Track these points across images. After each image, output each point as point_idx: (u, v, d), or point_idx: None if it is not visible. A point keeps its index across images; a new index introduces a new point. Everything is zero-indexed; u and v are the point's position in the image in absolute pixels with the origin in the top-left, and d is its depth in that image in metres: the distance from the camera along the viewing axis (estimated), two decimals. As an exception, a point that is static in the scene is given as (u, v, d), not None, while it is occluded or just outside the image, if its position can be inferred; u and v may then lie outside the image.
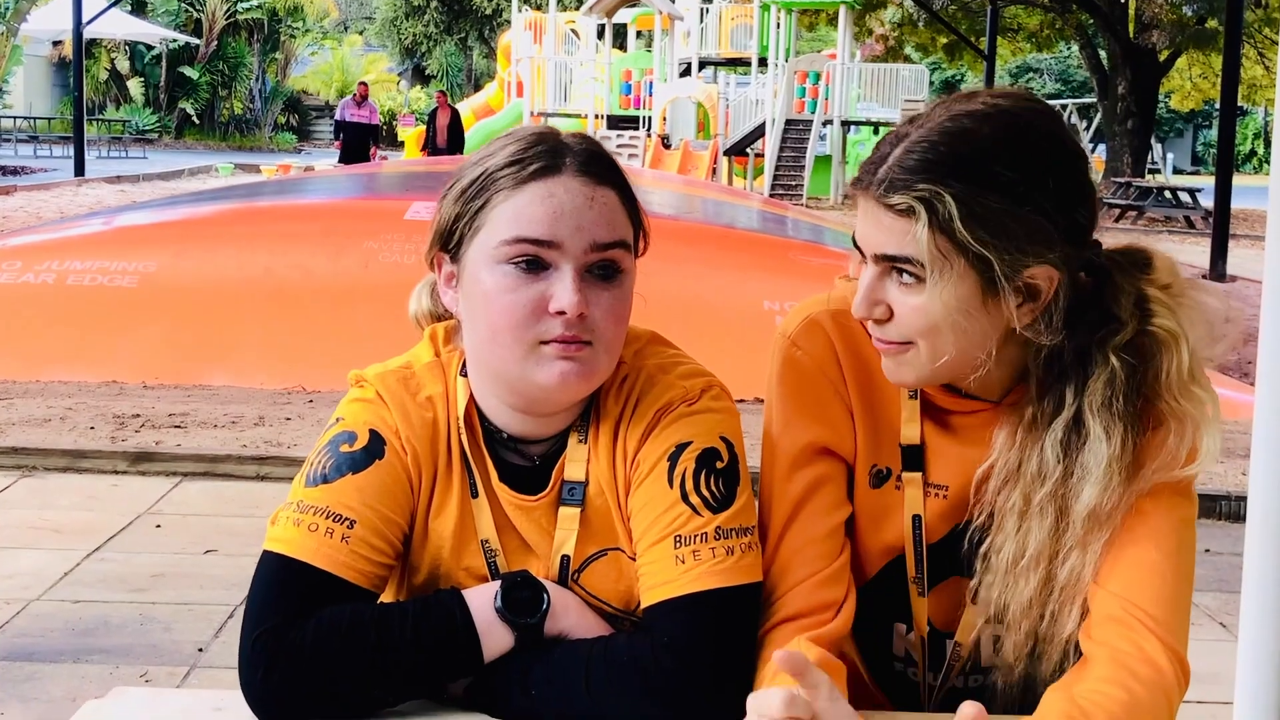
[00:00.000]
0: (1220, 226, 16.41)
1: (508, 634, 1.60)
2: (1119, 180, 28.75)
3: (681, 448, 1.66)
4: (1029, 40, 36.60)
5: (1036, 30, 35.06)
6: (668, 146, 26.74)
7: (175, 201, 12.96)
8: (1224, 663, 3.17)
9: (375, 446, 1.67)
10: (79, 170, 25.17)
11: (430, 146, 25.43)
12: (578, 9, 32.92)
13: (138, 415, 7.11)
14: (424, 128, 27.41)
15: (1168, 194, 26.81)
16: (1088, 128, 33.53)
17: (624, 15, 30.53)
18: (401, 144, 32.97)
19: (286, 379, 8.21)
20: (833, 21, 31.01)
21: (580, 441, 1.70)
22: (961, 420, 1.74)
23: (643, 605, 1.64)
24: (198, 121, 46.32)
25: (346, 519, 1.63)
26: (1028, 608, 1.67)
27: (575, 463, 1.70)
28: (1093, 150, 36.61)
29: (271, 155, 38.78)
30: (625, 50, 32.78)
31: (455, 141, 24.99)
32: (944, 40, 33.54)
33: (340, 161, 25.06)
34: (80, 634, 4.38)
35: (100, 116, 41.07)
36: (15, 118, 35.36)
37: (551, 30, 29.59)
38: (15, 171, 26.63)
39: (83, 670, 4.10)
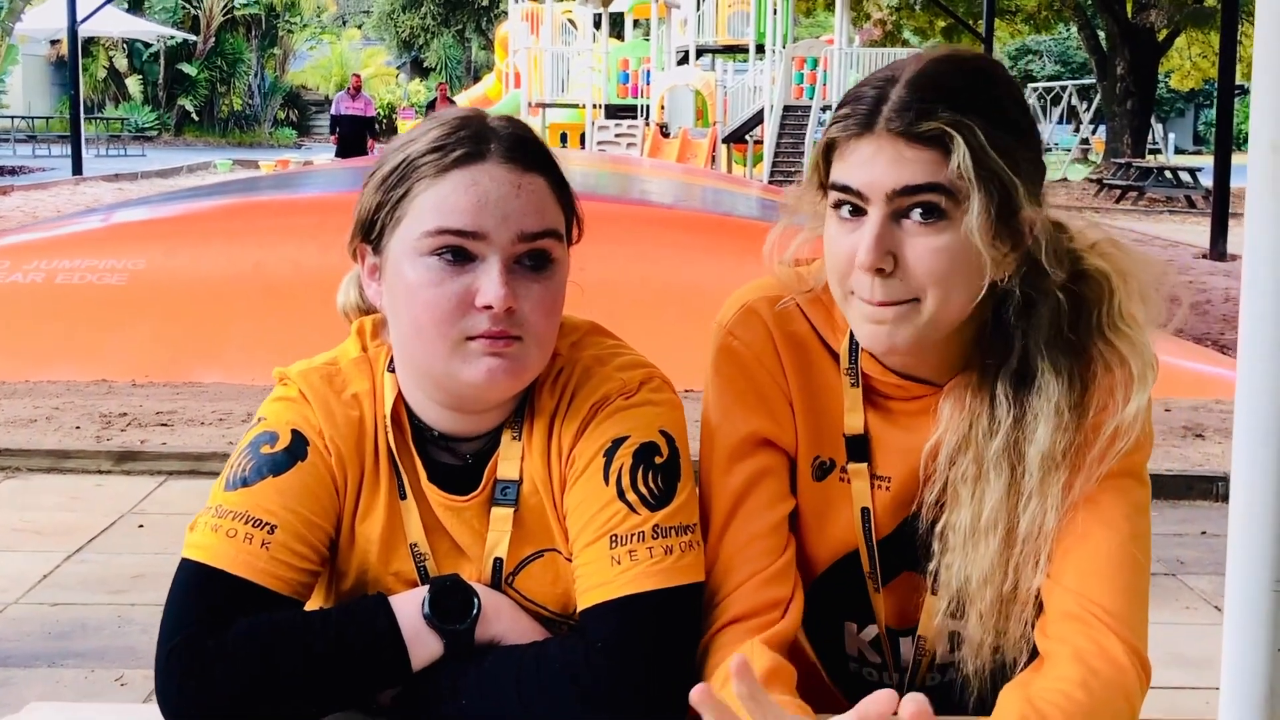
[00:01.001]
0: (1220, 205, 16.28)
1: (436, 641, 1.53)
2: (1119, 161, 28.64)
3: (618, 443, 1.59)
4: (1027, 22, 36.43)
5: (1034, 12, 34.89)
6: (666, 135, 26.61)
7: (165, 198, 12.87)
8: (1219, 648, 3.11)
9: (297, 447, 1.60)
10: (76, 169, 25.09)
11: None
12: (574, -1, 32.82)
13: (125, 414, 7.05)
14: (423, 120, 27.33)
15: (1168, 174, 26.70)
16: (1088, 109, 33.39)
17: (620, 4, 30.42)
18: (401, 137, 32.80)
19: (277, 375, 8.14)
20: (830, 6, 30.87)
21: (514, 438, 1.63)
22: (904, 407, 1.67)
23: (579, 608, 1.57)
24: (197, 118, 46.25)
25: (267, 524, 1.55)
26: (989, 574, 1.59)
27: (509, 461, 1.63)
28: (1093, 131, 36.49)
29: (271, 151, 38.71)
30: (622, 39, 32.65)
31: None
32: (942, 23, 33.37)
33: (337, 155, 25.02)
34: (57, 637, 4.32)
35: (99, 115, 41.03)
36: (13, 117, 35.30)
37: (548, 20, 29.44)
38: (13, 171, 26.58)
39: (57, 675, 4.04)
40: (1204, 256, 15.97)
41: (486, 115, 1.62)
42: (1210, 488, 6.13)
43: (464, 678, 1.52)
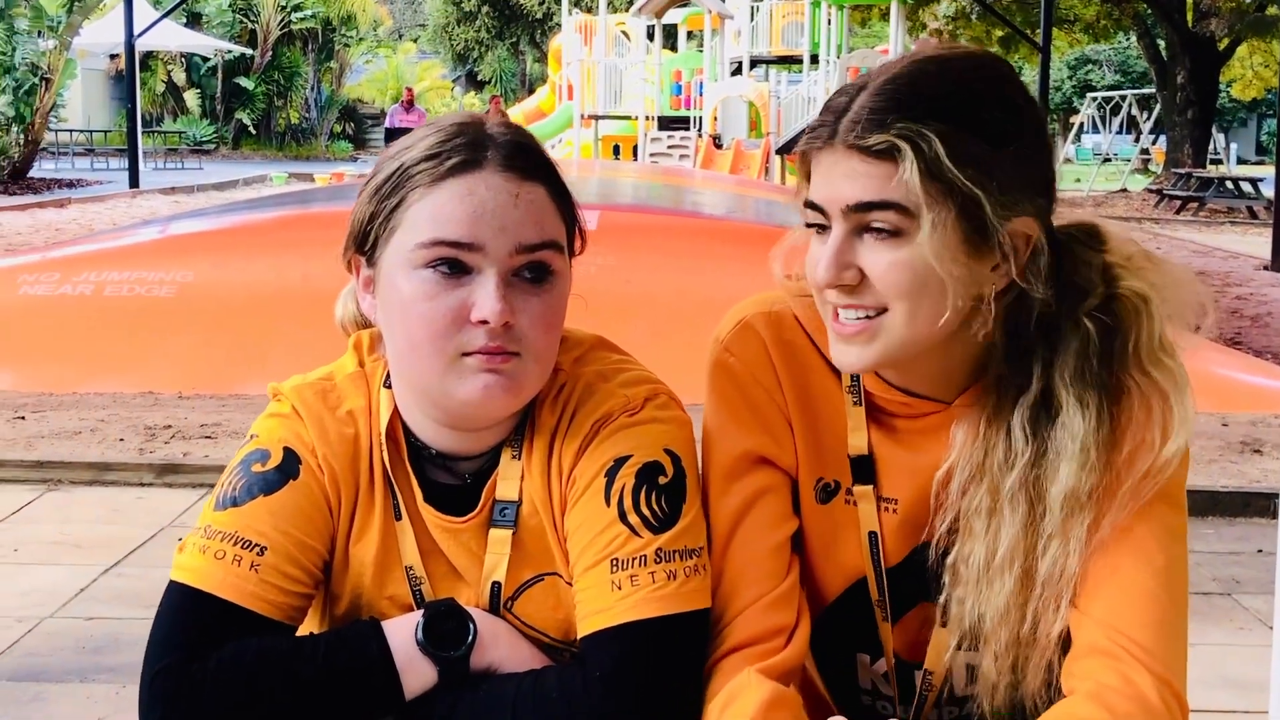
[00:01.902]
0: (1282, 216, 16.02)
1: (430, 668, 1.47)
2: (1179, 171, 28.28)
3: (620, 462, 1.51)
4: (1086, 31, 36.10)
5: (1093, 21, 34.57)
6: (719, 146, 26.53)
7: (215, 211, 12.92)
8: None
9: (289, 466, 1.54)
10: (134, 182, 25.30)
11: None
12: (628, 10, 32.82)
13: (169, 426, 7.04)
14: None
15: (1229, 184, 26.34)
16: (1147, 119, 33.03)
17: (674, 16, 30.39)
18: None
19: (323, 387, 8.12)
20: (885, 16, 30.74)
21: (514, 458, 1.56)
22: (910, 425, 1.59)
23: (579, 634, 1.50)
24: (254, 132, 46.60)
25: (256, 545, 1.49)
26: (1005, 614, 1.49)
27: (508, 481, 1.56)
28: (1153, 141, 36.11)
29: (328, 164, 38.93)
30: (676, 51, 32.64)
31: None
32: (999, 33, 33.12)
33: (392, 168, 25.06)
34: (90, 652, 4.28)
35: (157, 129, 41.41)
36: (71, 131, 35.65)
37: (602, 32, 29.46)
38: (71, 184, 26.82)
39: (88, 690, 4.00)
40: (1265, 268, 15.71)
41: (485, 121, 1.55)
42: (1268, 505, 5.98)
43: (458, 708, 1.45)
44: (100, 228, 17.41)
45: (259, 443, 1.57)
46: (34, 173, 27.35)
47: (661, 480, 1.51)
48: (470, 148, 1.50)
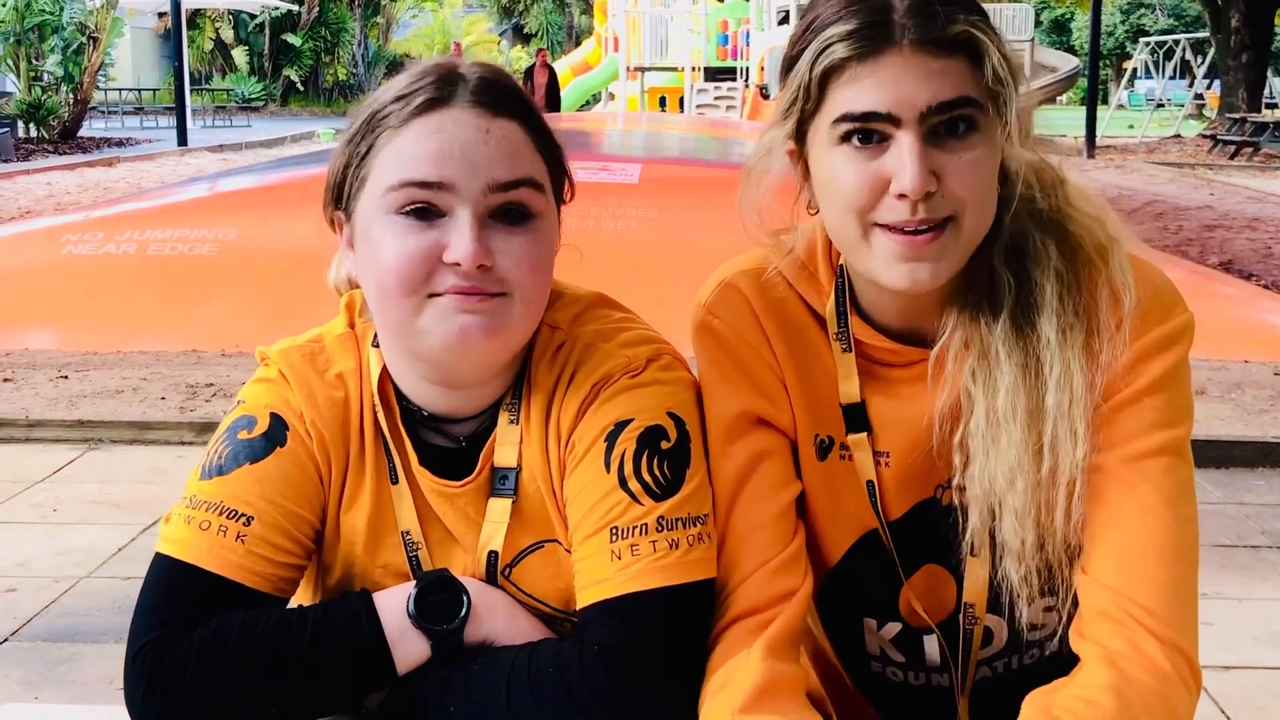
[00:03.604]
0: (1339, 161, 15.71)
1: (423, 642, 1.41)
2: (1233, 116, 27.82)
3: (621, 425, 1.45)
4: (1139, -26, 35.49)
5: (1146, -36, 33.97)
6: (766, 97, 26.27)
7: (258, 169, 12.92)
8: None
9: (276, 432, 1.48)
10: (181, 140, 25.40)
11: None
12: (674, -40, 32.55)
13: (211, 384, 7.04)
14: (525, 85, 27.35)
15: (1285, 128, 25.88)
16: (1201, 63, 32.47)
17: (720, -35, 30.11)
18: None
19: (365, 343, 8.11)
20: (934, -37, 30.30)
21: (511, 421, 1.50)
22: (900, 375, 1.52)
23: (578, 605, 1.44)
24: (302, 88, 46.72)
25: (242, 515, 1.44)
26: (1018, 463, 1.43)
27: (506, 446, 1.49)
28: (1207, 86, 35.53)
29: (374, 119, 38.89)
30: (721, 1, 32.35)
31: (554, 100, 24.88)
32: (1051, -22, 32.65)
33: (438, 123, 25.06)
34: (126, 612, 4.20)
35: (206, 86, 41.53)
36: (120, 90, 35.78)
37: (647, -17, 29.25)
38: (120, 143, 26.95)
39: (123, 651, 4.00)
40: (1321, 213, 15.42)
41: (460, 62, 1.47)
42: (1321, 456, 5.87)
43: (451, 682, 1.40)
44: (148, 186, 17.48)
45: (245, 409, 1.52)
46: (83, 132, 27.50)
47: (664, 445, 1.45)
48: (439, 85, 1.43)
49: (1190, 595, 1.39)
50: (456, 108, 1.41)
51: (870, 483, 1.54)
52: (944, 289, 1.47)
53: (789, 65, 1.44)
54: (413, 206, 1.39)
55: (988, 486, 1.44)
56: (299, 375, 1.51)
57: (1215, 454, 5.74)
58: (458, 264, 1.37)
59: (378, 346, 1.52)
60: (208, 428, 6.23)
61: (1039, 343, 1.43)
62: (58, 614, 4.26)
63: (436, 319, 1.39)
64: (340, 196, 1.47)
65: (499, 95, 1.43)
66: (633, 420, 1.45)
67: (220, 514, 1.44)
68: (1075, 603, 1.43)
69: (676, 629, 1.40)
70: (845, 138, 1.39)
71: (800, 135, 1.45)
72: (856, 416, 1.53)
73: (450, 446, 1.52)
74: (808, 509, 1.55)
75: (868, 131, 1.38)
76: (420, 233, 1.38)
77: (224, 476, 1.46)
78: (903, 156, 1.36)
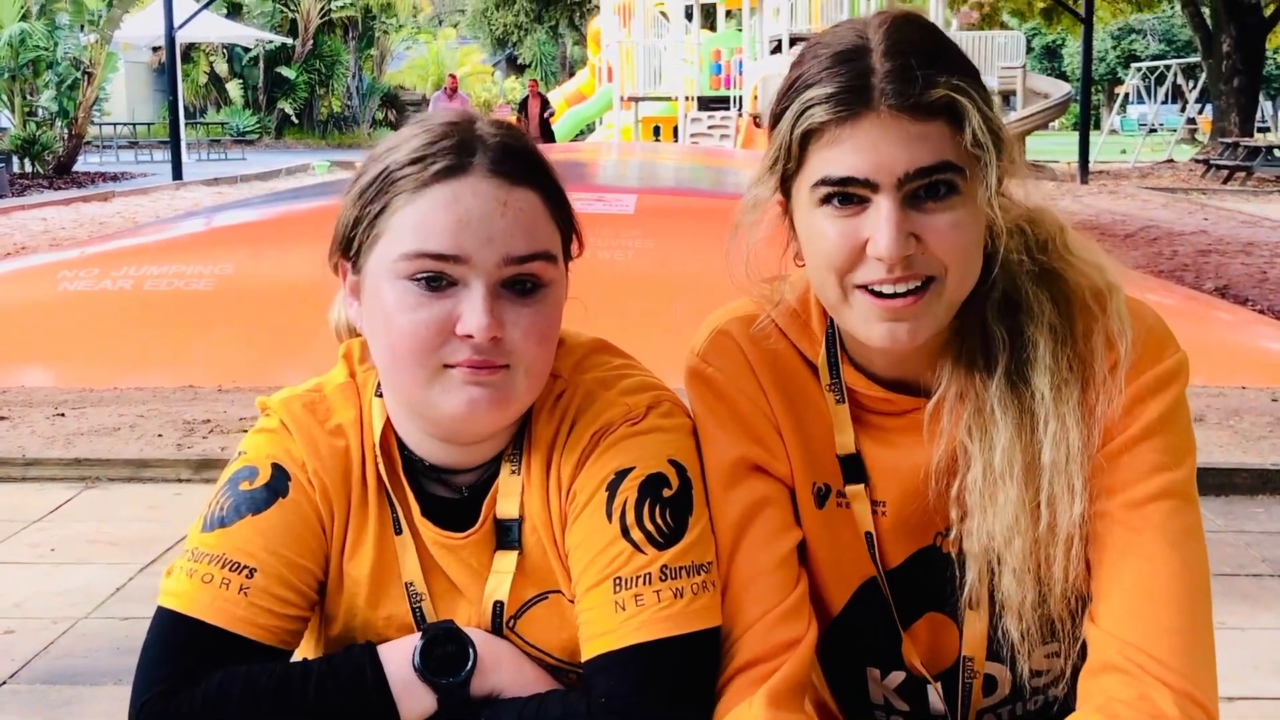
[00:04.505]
0: (1332, 184, 15.75)
1: (429, 695, 1.41)
2: (1226, 140, 27.92)
3: (622, 475, 1.45)
4: (1129, 1, 35.69)
5: (1136, -10, 34.19)
6: (759, 125, 26.38)
7: (253, 203, 12.94)
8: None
9: (278, 483, 1.48)
10: (176, 174, 25.40)
11: (521, 136, 25.38)
12: (666, -10, 32.69)
13: (208, 421, 7.03)
14: (517, 116, 27.39)
15: (1276, 152, 25.97)
16: (1193, 88, 32.60)
17: (712, -5, 30.25)
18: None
19: (361, 378, 8.10)
20: (925, -9, 30.44)
21: (513, 472, 1.49)
22: (893, 424, 1.53)
23: (583, 657, 1.43)
24: (297, 121, 46.80)
25: (245, 567, 1.44)
26: (1016, 523, 1.43)
27: (508, 497, 1.49)
28: (1199, 111, 35.65)
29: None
30: (714, 30, 32.49)
31: (544, 131, 24.93)
32: (1041, 4, 32.81)
33: (433, 155, 25.07)
34: (125, 653, 4.26)
35: (201, 120, 41.59)
36: (115, 124, 35.84)
37: (640, 13, 29.38)
38: (115, 178, 26.95)
39: (123, 693, 3.93)
40: (1314, 237, 15.44)
41: (476, 120, 1.47)
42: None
43: (457, 736, 1.39)
44: (143, 220, 17.48)
45: (246, 459, 1.52)
46: (78, 166, 27.53)
47: (666, 493, 1.45)
48: (457, 151, 1.42)
49: (1204, 641, 1.38)
50: (475, 176, 1.40)
51: (868, 534, 1.54)
52: (936, 341, 1.48)
53: (774, 120, 1.45)
54: (426, 274, 1.39)
55: (986, 542, 1.45)
56: (300, 425, 1.51)
57: (1215, 482, 5.73)
58: (470, 336, 1.37)
59: (379, 396, 1.51)
60: (205, 465, 6.22)
61: (1034, 399, 1.43)
62: (56, 655, 4.24)
63: (445, 391, 1.40)
64: (349, 249, 1.46)
65: (518, 163, 1.43)
66: (634, 469, 1.45)
67: (223, 566, 1.44)
68: (1083, 651, 1.43)
69: (684, 679, 1.39)
70: (825, 200, 1.41)
71: (786, 190, 1.45)
72: (853, 468, 1.54)
73: (452, 497, 1.51)
74: (809, 557, 1.55)
75: (847, 194, 1.39)
76: (433, 303, 1.39)
77: (226, 528, 1.46)
78: (879, 221, 1.37)
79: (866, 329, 1.43)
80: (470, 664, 1.43)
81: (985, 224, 1.41)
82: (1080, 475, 1.41)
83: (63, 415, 7.16)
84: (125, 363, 8.32)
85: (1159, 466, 1.42)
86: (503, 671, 1.45)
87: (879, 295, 1.40)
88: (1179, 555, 1.40)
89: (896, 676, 1.60)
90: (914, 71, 1.36)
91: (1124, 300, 1.47)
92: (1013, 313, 1.46)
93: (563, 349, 1.52)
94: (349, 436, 1.52)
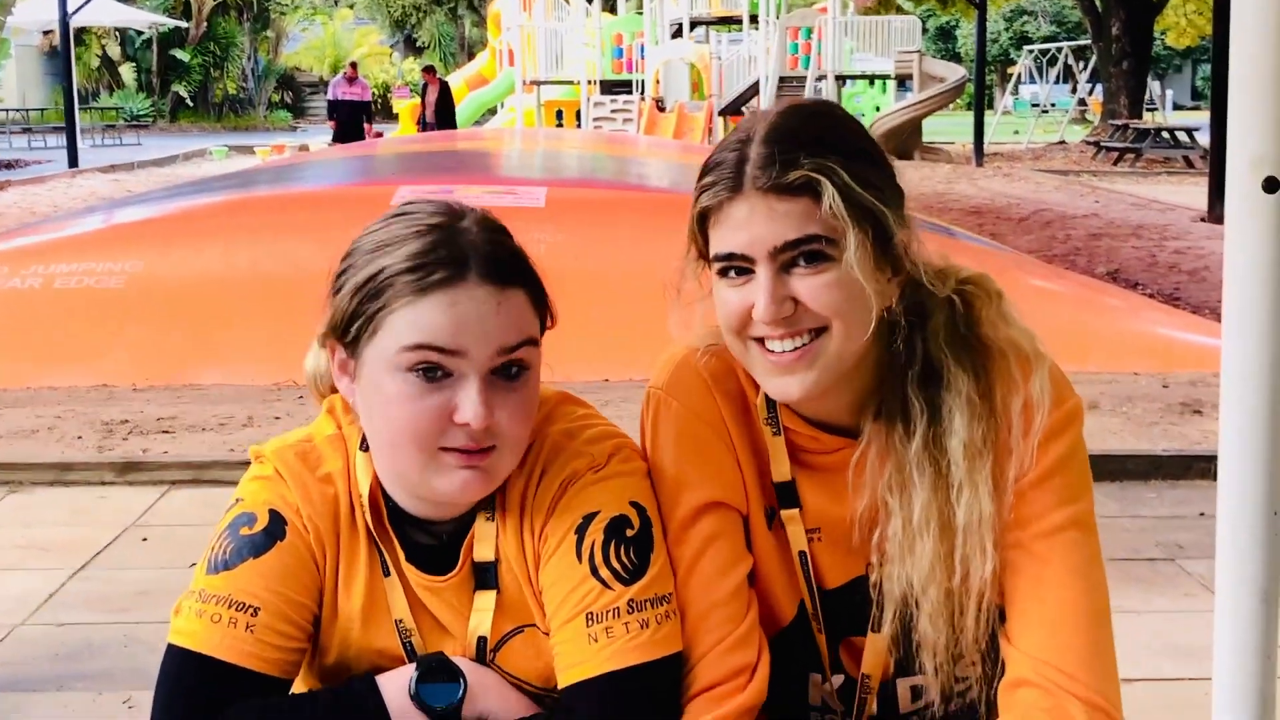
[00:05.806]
0: (1217, 168, 16.18)
1: None
2: (1116, 123, 28.55)
3: (589, 519, 1.62)
4: (1022, -17, 36.21)
5: (1029, -27, 34.70)
6: (662, 109, 26.58)
7: (160, 196, 12.84)
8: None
9: (275, 527, 1.63)
10: (73, 161, 25.04)
11: (421, 123, 25.28)
12: (566, -26, 32.70)
13: (126, 421, 7.06)
14: (418, 101, 27.29)
15: (1165, 135, 26.62)
16: (1084, 69, 33.24)
17: (612, -22, 30.30)
18: (397, 116, 32.87)
19: (277, 374, 8.14)
20: (823, -25, 30.74)
21: (488, 519, 1.66)
22: (823, 461, 1.71)
23: (559, 685, 1.61)
24: (191, 104, 46.23)
25: (250, 606, 1.59)
26: (931, 572, 1.63)
27: (484, 541, 1.66)
28: (1089, 92, 36.37)
29: (267, 135, 38.65)
30: (615, 14, 32.57)
31: (445, 116, 24.87)
32: (936, -12, 33.24)
33: (334, 141, 24.95)
34: (64, 659, 4.34)
35: (94, 104, 40.97)
36: (7, 110, 35.23)
37: (540, -4, 29.35)
38: (9, 165, 26.52)
39: (65, 699, 4.06)
40: (1202, 219, 15.89)
41: (463, 219, 1.62)
42: (1209, 467, 6.06)
43: (451, 756, 1.55)
44: (41, 210, 17.27)
45: (245, 506, 1.66)
46: (-30, 154, 26.99)
47: (629, 533, 1.62)
48: (452, 262, 1.56)
49: (1107, 654, 1.59)
50: (470, 283, 1.55)
51: (802, 553, 1.72)
52: (855, 395, 1.67)
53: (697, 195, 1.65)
54: (425, 365, 1.54)
55: (905, 588, 1.65)
56: (294, 473, 1.66)
57: (1109, 468, 5.95)
58: (467, 424, 1.53)
59: (365, 450, 1.66)
60: (129, 468, 6.28)
61: (949, 467, 1.62)
62: (-5, 664, 4.31)
63: (439, 474, 1.57)
64: (345, 334, 1.60)
65: (506, 267, 1.59)
66: (599, 512, 1.62)
67: (229, 606, 1.58)
68: (1002, 667, 1.62)
69: (655, 699, 1.57)
70: (722, 272, 1.62)
71: (705, 260, 1.66)
72: (787, 494, 1.72)
73: (432, 544, 1.68)
74: (762, 574, 1.73)
75: (736, 267, 1.59)
76: (432, 394, 1.54)
77: (230, 571, 1.61)
78: (758, 290, 1.58)
79: (764, 381, 1.65)
80: (461, 692, 1.59)
81: (872, 279, 1.58)
82: (991, 537, 1.61)
83: (-22, 417, 7.16)
84: (38, 362, 8.29)
85: (1063, 500, 1.63)
86: (490, 698, 1.61)
87: (771, 350, 1.60)
88: (1083, 580, 1.61)
89: (838, 679, 1.78)
90: (777, 157, 1.55)
91: (1049, 371, 1.65)
92: (934, 384, 1.64)
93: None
94: (338, 485, 1.67)
